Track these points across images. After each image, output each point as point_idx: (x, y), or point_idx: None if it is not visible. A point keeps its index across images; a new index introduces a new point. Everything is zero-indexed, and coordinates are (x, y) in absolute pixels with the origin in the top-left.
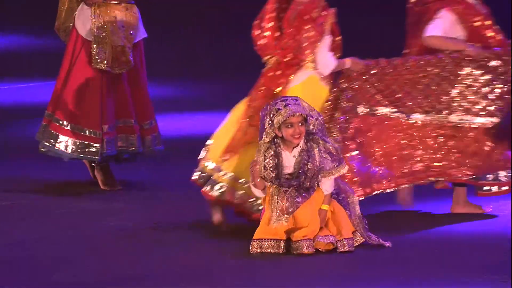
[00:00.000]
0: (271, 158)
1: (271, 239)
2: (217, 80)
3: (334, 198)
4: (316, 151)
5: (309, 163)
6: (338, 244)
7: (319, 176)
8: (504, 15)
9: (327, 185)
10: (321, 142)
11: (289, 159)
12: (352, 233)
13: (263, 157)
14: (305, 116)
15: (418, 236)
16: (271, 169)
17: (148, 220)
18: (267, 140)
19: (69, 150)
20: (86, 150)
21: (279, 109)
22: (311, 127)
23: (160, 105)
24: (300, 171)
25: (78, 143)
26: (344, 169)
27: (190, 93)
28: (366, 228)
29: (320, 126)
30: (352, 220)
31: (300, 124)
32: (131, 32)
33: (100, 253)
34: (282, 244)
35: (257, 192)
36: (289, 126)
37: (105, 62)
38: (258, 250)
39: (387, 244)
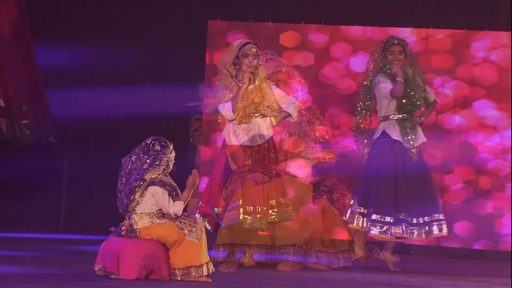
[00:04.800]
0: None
1: (243, 244)
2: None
3: (326, 198)
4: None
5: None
6: (332, 258)
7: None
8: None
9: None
10: None
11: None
12: (349, 244)
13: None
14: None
15: (428, 249)
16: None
17: None
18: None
19: None
20: None
21: None
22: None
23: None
24: None
25: None
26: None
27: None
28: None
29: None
30: (349, 227)
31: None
32: None
33: None
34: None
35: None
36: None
37: None
38: (222, 258)
39: (394, 258)
